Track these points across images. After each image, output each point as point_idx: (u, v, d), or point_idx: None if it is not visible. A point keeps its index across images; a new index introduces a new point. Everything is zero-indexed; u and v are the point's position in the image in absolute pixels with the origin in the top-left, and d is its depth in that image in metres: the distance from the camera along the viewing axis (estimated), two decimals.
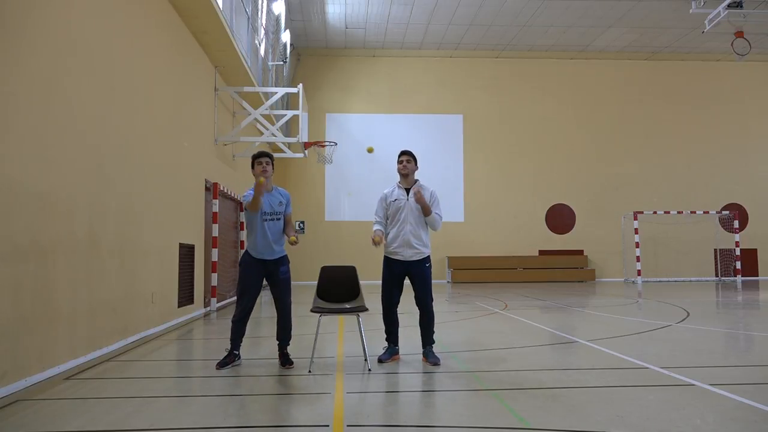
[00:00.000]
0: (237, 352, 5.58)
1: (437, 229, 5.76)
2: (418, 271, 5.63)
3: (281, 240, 5.62)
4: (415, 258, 5.60)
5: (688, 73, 23.92)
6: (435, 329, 5.80)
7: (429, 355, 5.59)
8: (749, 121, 23.89)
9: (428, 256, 5.72)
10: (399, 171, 5.87)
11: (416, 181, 5.90)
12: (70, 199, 5.56)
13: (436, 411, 4.00)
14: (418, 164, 6.15)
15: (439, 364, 5.42)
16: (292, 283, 5.76)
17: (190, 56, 10.32)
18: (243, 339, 5.64)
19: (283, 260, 5.64)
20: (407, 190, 5.72)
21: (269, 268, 5.57)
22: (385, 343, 5.82)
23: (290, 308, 5.65)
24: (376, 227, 5.70)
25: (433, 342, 5.72)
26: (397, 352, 5.76)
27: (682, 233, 22.81)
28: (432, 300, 5.71)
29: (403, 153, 5.97)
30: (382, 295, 5.72)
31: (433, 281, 5.83)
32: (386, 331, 5.80)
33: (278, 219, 5.55)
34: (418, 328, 5.73)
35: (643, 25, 20.81)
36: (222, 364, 5.45)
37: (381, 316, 5.78)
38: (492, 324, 8.90)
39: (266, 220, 5.48)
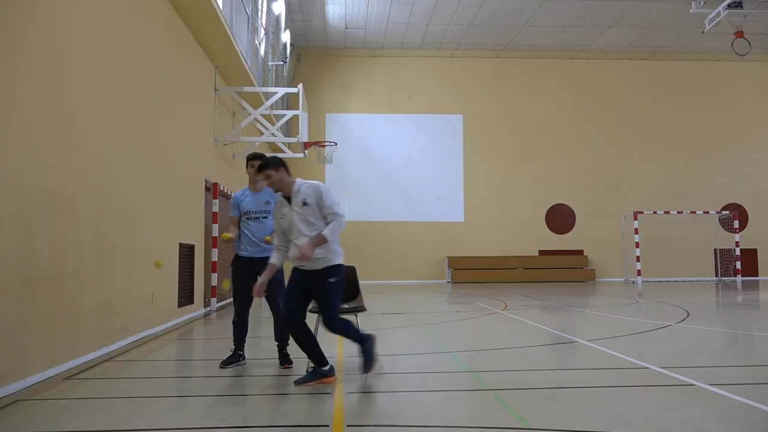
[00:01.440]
0: (241, 353, 5.59)
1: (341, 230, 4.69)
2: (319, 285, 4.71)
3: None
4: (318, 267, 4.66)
5: (688, 73, 23.92)
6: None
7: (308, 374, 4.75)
8: (749, 121, 23.89)
9: (332, 267, 4.67)
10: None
11: (294, 181, 4.69)
12: (70, 200, 5.56)
13: (436, 411, 3.99)
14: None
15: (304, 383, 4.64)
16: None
17: (190, 56, 10.32)
18: (246, 339, 5.63)
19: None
20: (288, 199, 4.66)
21: (257, 267, 5.36)
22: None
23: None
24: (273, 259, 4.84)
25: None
26: (323, 375, 4.72)
27: (682, 233, 22.82)
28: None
29: (259, 165, 4.80)
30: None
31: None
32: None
33: (264, 218, 5.54)
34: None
35: (643, 25, 20.82)
36: (226, 363, 5.46)
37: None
38: (492, 324, 8.90)
39: (249, 219, 5.52)
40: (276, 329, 5.59)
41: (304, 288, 4.68)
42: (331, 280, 4.65)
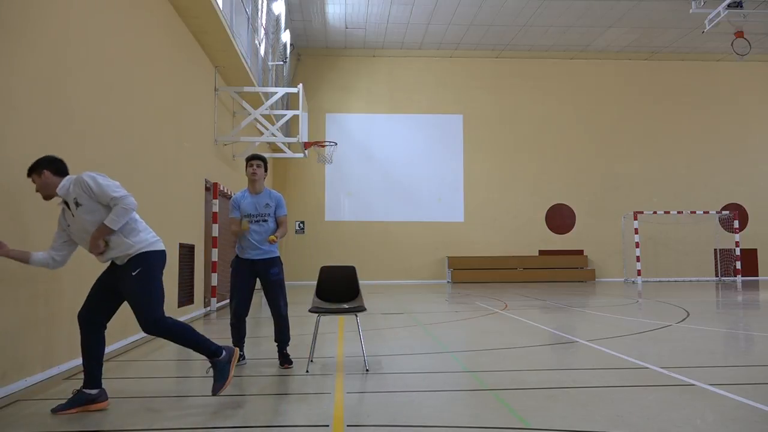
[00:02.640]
0: (241, 353, 5.58)
1: (133, 209, 4.08)
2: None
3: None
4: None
5: (688, 73, 23.92)
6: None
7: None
8: (749, 121, 23.89)
9: (137, 256, 4.21)
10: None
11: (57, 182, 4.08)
12: None
13: (436, 411, 3.99)
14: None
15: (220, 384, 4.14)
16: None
17: (190, 56, 10.32)
18: (245, 339, 5.63)
19: (274, 262, 5.51)
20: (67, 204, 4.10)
21: (257, 269, 5.47)
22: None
23: (285, 310, 5.54)
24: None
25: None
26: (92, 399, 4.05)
27: (682, 233, 22.82)
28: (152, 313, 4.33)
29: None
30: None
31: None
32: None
33: (264, 221, 5.51)
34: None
35: (643, 25, 20.81)
36: None
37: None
38: (492, 324, 8.89)
39: (250, 222, 5.48)
40: (275, 331, 5.59)
41: (110, 287, 4.20)
42: (133, 273, 4.10)
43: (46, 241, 5.08)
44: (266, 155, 16.59)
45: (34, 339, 4.88)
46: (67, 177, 4.06)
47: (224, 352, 4.19)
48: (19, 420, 3.88)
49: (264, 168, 5.65)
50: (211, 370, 4.19)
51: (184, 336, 4.23)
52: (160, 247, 4.33)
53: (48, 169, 4.01)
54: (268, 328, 8.69)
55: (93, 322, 4.17)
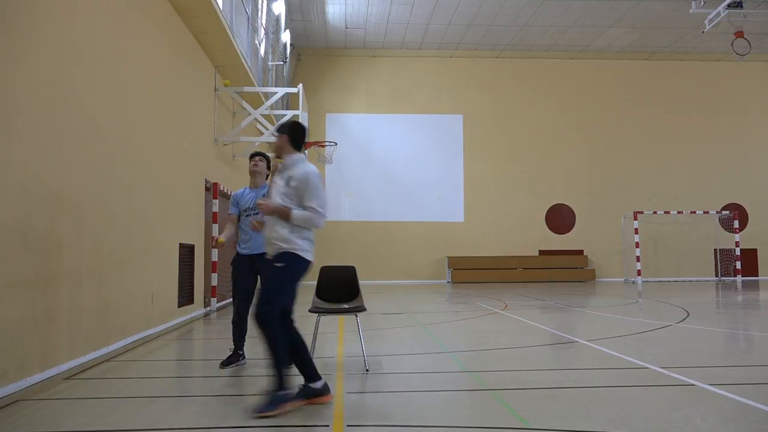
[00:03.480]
0: (241, 352, 5.58)
1: (317, 227, 4.20)
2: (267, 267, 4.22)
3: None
4: (272, 254, 4.21)
5: (688, 73, 23.92)
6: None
7: (264, 403, 3.91)
8: (749, 121, 23.90)
9: (286, 253, 4.11)
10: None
11: (292, 155, 4.34)
12: (70, 199, 5.56)
13: (436, 411, 3.99)
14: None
15: (264, 415, 3.80)
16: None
17: (190, 56, 10.32)
18: (245, 338, 5.63)
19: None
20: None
21: (257, 265, 5.41)
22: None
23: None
24: None
25: (279, 387, 3.96)
26: (314, 394, 4.10)
27: (682, 233, 22.82)
28: (267, 307, 4.01)
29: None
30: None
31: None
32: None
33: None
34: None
35: (643, 25, 20.82)
36: (226, 363, 5.45)
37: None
38: (492, 324, 8.89)
39: (249, 216, 5.51)
40: None
41: (255, 275, 4.34)
42: (277, 264, 4.08)
43: (47, 240, 5.09)
44: (267, 155, 16.61)
45: (34, 339, 4.88)
46: (300, 156, 4.31)
47: (288, 390, 3.97)
48: (19, 420, 3.88)
49: (267, 164, 5.68)
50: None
51: (278, 342, 4.00)
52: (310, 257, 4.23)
53: (287, 134, 4.31)
54: None
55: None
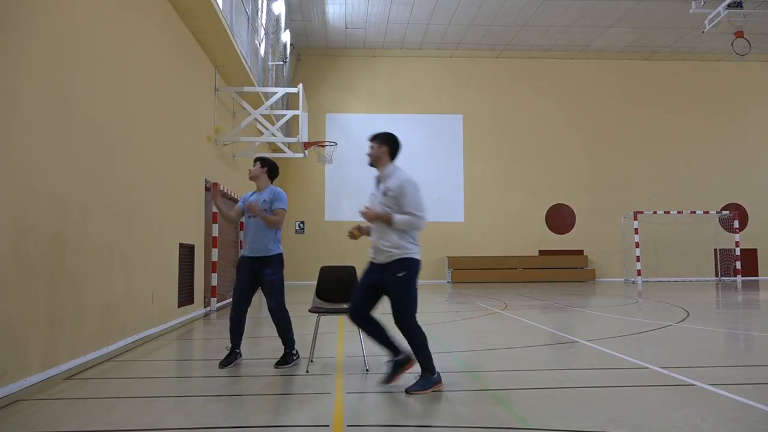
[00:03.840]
0: (238, 350, 5.60)
1: (419, 229, 4.63)
2: (389, 279, 4.52)
3: (268, 238, 5.50)
4: (386, 260, 4.54)
5: (688, 73, 23.92)
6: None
7: (415, 383, 4.47)
8: (749, 121, 23.90)
9: (404, 260, 4.49)
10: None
11: (388, 166, 4.70)
12: (70, 199, 5.56)
13: (436, 411, 3.99)
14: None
15: (416, 393, 4.34)
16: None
17: (190, 56, 10.32)
18: (242, 337, 5.64)
19: (270, 260, 5.47)
20: (379, 181, 4.72)
21: (255, 267, 5.50)
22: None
23: (279, 312, 5.47)
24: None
25: (429, 370, 4.49)
26: (403, 363, 4.63)
27: (682, 233, 22.82)
28: (407, 317, 4.54)
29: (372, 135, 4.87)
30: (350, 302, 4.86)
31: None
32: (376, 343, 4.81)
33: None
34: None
35: (643, 25, 20.81)
36: (224, 363, 5.46)
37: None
38: (492, 324, 8.89)
39: (250, 217, 5.55)
40: (277, 332, 5.58)
41: (373, 282, 4.58)
42: (399, 274, 4.45)
43: (47, 240, 5.09)
44: (266, 155, 16.61)
45: (35, 339, 4.88)
46: (395, 167, 4.65)
47: (437, 375, 4.52)
48: (19, 420, 3.88)
49: (261, 165, 5.74)
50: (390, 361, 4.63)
51: (421, 341, 4.57)
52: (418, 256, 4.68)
53: (387, 146, 4.66)
54: (268, 328, 8.70)
55: (359, 316, 4.67)
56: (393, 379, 4.58)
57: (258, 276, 5.52)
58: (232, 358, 5.53)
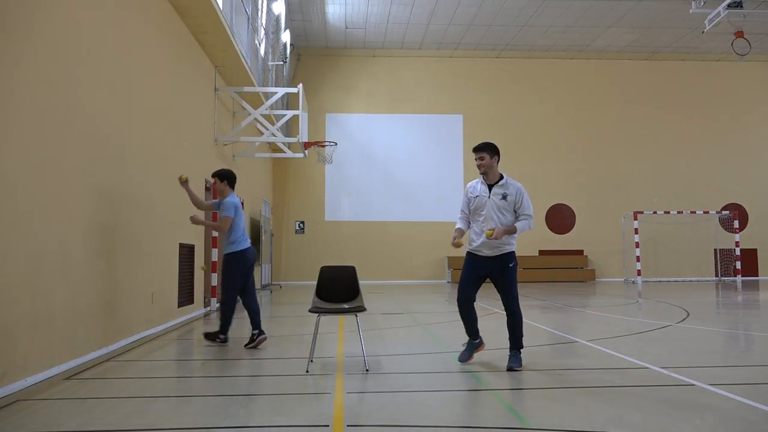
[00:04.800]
0: (223, 336, 6.69)
1: (531, 228, 5.55)
2: (501, 269, 5.31)
3: (225, 238, 6.67)
4: (496, 254, 5.31)
5: (688, 73, 23.92)
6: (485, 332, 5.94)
7: (512, 359, 5.21)
8: (749, 121, 23.89)
9: (511, 253, 5.38)
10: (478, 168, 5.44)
11: (501, 177, 5.44)
12: (70, 200, 5.56)
13: (436, 411, 4.00)
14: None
15: (517, 369, 5.10)
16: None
17: (190, 56, 10.32)
18: (231, 323, 6.76)
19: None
20: (490, 187, 5.35)
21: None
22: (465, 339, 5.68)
23: (222, 297, 6.66)
24: (458, 225, 5.46)
25: (521, 346, 5.31)
26: (477, 346, 5.57)
27: (682, 233, 22.81)
28: (516, 300, 5.35)
29: (475, 149, 5.42)
30: (459, 291, 5.54)
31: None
32: (465, 327, 5.59)
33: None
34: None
35: (643, 25, 20.81)
36: (209, 337, 6.80)
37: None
38: (492, 324, 8.89)
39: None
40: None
41: (481, 272, 5.30)
42: (510, 264, 5.28)
43: (46, 240, 5.09)
44: (266, 155, 16.63)
45: (35, 339, 4.87)
46: (507, 176, 5.41)
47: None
48: (19, 420, 3.88)
49: (220, 180, 6.77)
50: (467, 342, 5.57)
51: (518, 319, 5.37)
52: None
53: (497, 155, 5.32)
54: (268, 327, 8.70)
55: (469, 300, 5.47)
56: (470, 357, 5.46)
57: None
58: (214, 336, 6.78)
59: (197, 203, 6.97)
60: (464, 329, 5.54)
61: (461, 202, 5.52)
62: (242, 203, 8.01)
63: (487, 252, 5.30)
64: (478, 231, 5.30)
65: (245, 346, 6.50)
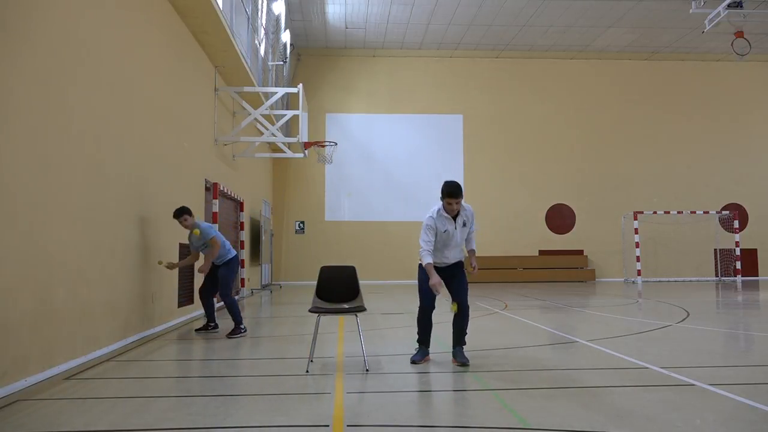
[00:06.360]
0: (212, 324, 8.00)
1: None
2: (454, 273, 5.75)
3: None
4: (453, 261, 5.78)
5: (688, 73, 23.92)
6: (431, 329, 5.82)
7: (458, 356, 5.51)
8: (749, 121, 23.89)
9: (462, 261, 5.88)
10: (446, 211, 5.62)
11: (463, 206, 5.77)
12: (70, 200, 5.56)
13: (436, 411, 3.99)
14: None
15: (467, 365, 5.36)
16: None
17: (190, 56, 10.32)
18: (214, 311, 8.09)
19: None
20: (454, 218, 5.66)
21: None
22: (416, 345, 5.79)
23: (225, 298, 7.71)
24: (429, 259, 5.56)
25: (464, 343, 5.65)
26: (427, 353, 5.72)
27: (682, 233, 22.82)
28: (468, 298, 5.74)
29: (452, 195, 5.48)
30: (424, 299, 5.67)
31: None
32: (419, 333, 5.73)
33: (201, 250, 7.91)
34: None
35: (643, 25, 20.81)
36: (200, 330, 7.97)
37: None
38: (492, 324, 8.89)
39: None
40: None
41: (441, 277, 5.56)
42: (463, 268, 5.83)
43: (46, 240, 5.09)
44: (266, 155, 16.63)
45: (35, 338, 4.88)
46: (467, 206, 5.74)
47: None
48: (19, 420, 3.88)
49: (184, 217, 7.62)
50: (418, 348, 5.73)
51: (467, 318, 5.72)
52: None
53: (462, 196, 5.56)
54: (268, 328, 8.71)
55: (432, 309, 5.71)
56: (423, 359, 5.62)
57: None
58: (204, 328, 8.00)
59: (191, 263, 8.34)
60: (418, 336, 5.68)
61: (426, 232, 5.66)
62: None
63: (446, 263, 5.79)
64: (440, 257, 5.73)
65: (196, 330, 8.06)
